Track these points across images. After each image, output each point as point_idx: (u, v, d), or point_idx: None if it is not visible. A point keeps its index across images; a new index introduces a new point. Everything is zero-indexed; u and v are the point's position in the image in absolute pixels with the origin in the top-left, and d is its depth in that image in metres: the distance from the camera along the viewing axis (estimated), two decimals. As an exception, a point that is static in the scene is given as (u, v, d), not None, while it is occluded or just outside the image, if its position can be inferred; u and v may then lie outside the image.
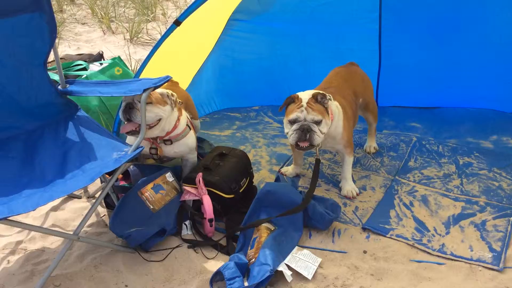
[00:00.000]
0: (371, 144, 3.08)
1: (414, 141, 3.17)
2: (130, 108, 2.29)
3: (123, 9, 6.62)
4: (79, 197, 2.67)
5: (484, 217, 2.43)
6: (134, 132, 2.33)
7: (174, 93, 2.48)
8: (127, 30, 5.73)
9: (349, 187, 2.65)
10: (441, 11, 3.17)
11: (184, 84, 3.35)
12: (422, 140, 3.17)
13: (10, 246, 2.29)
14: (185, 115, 2.57)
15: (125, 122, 2.34)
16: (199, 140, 3.10)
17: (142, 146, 2.13)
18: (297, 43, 3.43)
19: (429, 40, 3.29)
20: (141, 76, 2.63)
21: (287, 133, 2.37)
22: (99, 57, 3.45)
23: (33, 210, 1.80)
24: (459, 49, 3.30)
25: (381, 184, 2.73)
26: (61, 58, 3.52)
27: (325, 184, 2.76)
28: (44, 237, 2.35)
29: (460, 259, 2.16)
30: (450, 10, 3.16)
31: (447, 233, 2.33)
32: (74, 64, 3.25)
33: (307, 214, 2.34)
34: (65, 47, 5.37)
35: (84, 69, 3.21)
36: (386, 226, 2.38)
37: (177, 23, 2.43)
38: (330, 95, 2.34)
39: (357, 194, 2.64)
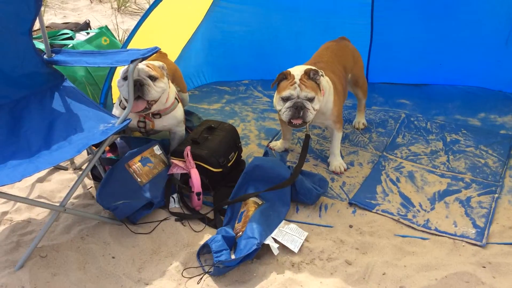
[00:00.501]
0: (360, 120, 3.08)
1: (403, 117, 3.17)
2: (140, 85, 2.26)
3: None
4: (65, 169, 2.65)
5: (469, 193, 2.46)
6: (146, 110, 2.33)
7: (165, 65, 2.45)
8: (114, -1, 5.61)
9: (337, 162, 2.66)
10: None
11: (172, 56, 3.30)
12: (411, 116, 3.18)
13: (-4, 217, 2.28)
14: (173, 87, 2.54)
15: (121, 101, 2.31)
16: (188, 113, 3.08)
17: (129, 119, 2.11)
18: (288, 17, 3.39)
19: (420, 17, 3.28)
20: (129, 47, 2.58)
21: (280, 110, 2.36)
22: (86, 26, 3.37)
23: (19, 181, 1.78)
24: (450, 27, 3.29)
25: (368, 160, 2.75)
26: (46, 27, 3.44)
27: (313, 159, 2.77)
28: (30, 208, 2.34)
29: (444, 235, 2.19)
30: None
31: (432, 209, 2.36)
32: (60, 33, 3.18)
33: (295, 188, 2.35)
34: (51, 15, 5.25)
35: (71, 38, 3.14)
36: (372, 202, 2.40)
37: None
38: (322, 71, 2.32)
39: (344, 170, 2.65)
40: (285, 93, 2.30)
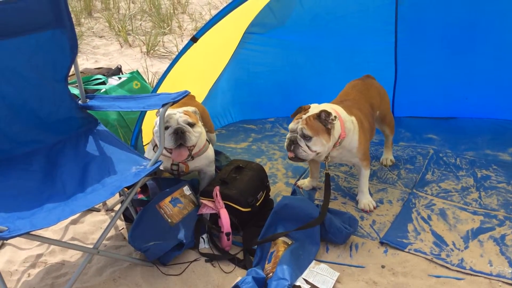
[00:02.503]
0: (388, 157, 3.07)
1: (431, 153, 3.15)
2: (182, 132, 2.33)
3: (140, 22, 6.71)
4: (98, 210, 2.71)
5: (504, 231, 2.40)
6: (189, 156, 2.41)
7: (197, 109, 2.53)
8: (143, 43, 5.80)
9: (366, 200, 2.64)
10: (457, 20, 3.16)
11: (200, 96, 3.39)
12: (439, 152, 3.15)
13: (31, 259, 2.33)
14: (203, 129, 2.59)
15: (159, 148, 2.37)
16: (216, 153, 3.11)
17: (160, 161, 2.16)
18: (312, 56, 3.45)
19: (445, 49, 3.29)
20: (159, 91, 2.67)
21: None
22: (118, 71, 3.50)
23: (55, 224, 1.83)
24: (476, 58, 3.28)
25: (398, 198, 2.72)
26: (80, 72, 3.57)
27: (342, 197, 2.76)
28: (63, 250, 2.38)
29: (479, 274, 2.14)
30: (466, 19, 3.15)
31: (466, 247, 2.31)
32: (93, 78, 3.31)
33: (324, 228, 2.34)
34: (83, 60, 5.46)
35: (103, 83, 3.26)
36: (404, 241, 2.37)
37: (194, 39, 2.46)
38: (335, 116, 2.33)
39: (374, 208, 2.63)
40: (290, 125, 2.38)
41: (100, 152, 2.31)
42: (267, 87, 3.64)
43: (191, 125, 2.39)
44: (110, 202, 2.75)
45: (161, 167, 2.57)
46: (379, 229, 2.47)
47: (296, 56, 3.48)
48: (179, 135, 2.33)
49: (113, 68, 3.57)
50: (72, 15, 6.78)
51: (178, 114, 2.37)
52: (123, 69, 4.81)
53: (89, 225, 2.57)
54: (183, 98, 2.20)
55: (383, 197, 2.74)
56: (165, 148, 2.38)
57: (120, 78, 3.30)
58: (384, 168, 3.03)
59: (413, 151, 3.20)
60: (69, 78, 3.31)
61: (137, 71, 3.35)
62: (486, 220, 2.49)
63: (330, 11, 3.20)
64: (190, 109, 2.49)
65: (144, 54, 5.54)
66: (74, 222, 2.60)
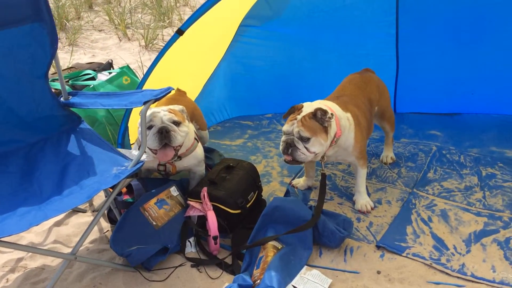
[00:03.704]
0: (388, 154, 2.93)
1: (434, 150, 3.00)
2: (167, 132, 2.21)
3: (140, 15, 6.60)
4: (84, 211, 2.61)
5: (508, 234, 2.26)
6: (175, 157, 2.30)
7: (184, 108, 2.41)
8: (142, 36, 5.69)
9: (363, 200, 2.52)
10: (461, 11, 3.00)
11: (194, 92, 3.28)
12: (443, 149, 3.01)
13: (11, 263, 2.24)
14: (192, 127, 2.48)
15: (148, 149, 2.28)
16: (209, 150, 3.00)
17: (142, 161, 2.05)
18: (310, 49, 3.31)
19: (449, 42, 3.13)
20: (148, 87, 2.55)
21: None
22: (109, 66, 3.39)
23: (26, 230, 1.73)
24: (482, 52, 3.12)
25: (397, 198, 2.59)
26: (71, 67, 3.47)
27: (338, 198, 2.63)
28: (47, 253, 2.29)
29: (481, 281, 2.01)
30: (471, 10, 2.99)
31: (468, 251, 2.18)
32: (83, 73, 3.20)
33: (317, 231, 2.22)
34: (80, 55, 5.36)
35: (93, 78, 3.15)
36: (402, 244, 2.24)
37: (180, 32, 2.33)
38: (332, 113, 2.19)
39: (371, 208, 2.50)
40: (284, 127, 2.24)
41: (81, 152, 2.20)
42: (265, 82, 3.51)
43: (177, 123, 2.27)
44: (96, 202, 2.66)
45: (147, 168, 2.46)
46: (376, 232, 2.34)
47: (294, 49, 3.35)
48: (164, 135, 2.21)
49: (104, 63, 3.45)
50: (73, 8, 6.76)
51: (163, 113, 2.26)
52: (119, 64, 4.72)
53: (74, 227, 2.48)
54: (167, 95, 2.07)
55: (382, 197, 2.61)
56: (150, 148, 2.27)
57: (110, 73, 3.19)
58: (384, 166, 2.90)
59: (415, 148, 3.06)
60: (56, 74, 3.24)
61: (128, 66, 3.24)
62: (490, 222, 2.35)
63: (328, 2, 3.06)
64: (177, 107, 2.37)
65: (143, 48, 5.43)
66: (58, 224, 2.50)
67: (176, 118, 2.27)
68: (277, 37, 3.30)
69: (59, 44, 5.66)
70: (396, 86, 3.32)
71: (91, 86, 2.99)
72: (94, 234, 2.42)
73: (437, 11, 2.99)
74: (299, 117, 2.21)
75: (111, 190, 2.30)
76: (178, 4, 7.18)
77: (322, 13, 3.09)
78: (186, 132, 2.31)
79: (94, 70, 3.26)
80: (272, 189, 2.72)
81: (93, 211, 2.61)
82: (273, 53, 3.39)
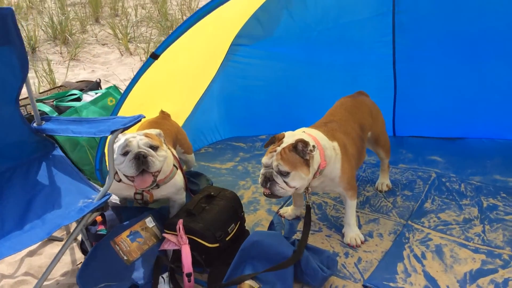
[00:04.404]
0: (384, 181, 2.77)
1: (433, 177, 2.83)
2: (144, 157, 2.08)
3: (145, 29, 6.54)
4: (60, 240, 2.50)
5: (507, 274, 2.08)
6: (153, 183, 2.16)
7: (161, 132, 2.29)
8: (144, 51, 5.63)
9: (352, 233, 2.36)
10: (463, 29, 2.81)
11: (183, 113, 3.17)
12: (442, 176, 2.83)
13: (-23, 297, 2.13)
14: (169, 153, 2.35)
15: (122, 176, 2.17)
16: (195, 175, 2.89)
17: (109, 194, 1.93)
18: (304, 69, 3.18)
19: (451, 62, 2.95)
20: (131, 110, 2.43)
21: None
22: (96, 85, 3.29)
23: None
24: (486, 72, 2.93)
25: (390, 230, 2.42)
26: (60, 86, 3.39)
27: (327, 229, 2.48)
28: (17, 284, 2.18)
29: (475, 330, 1.84)
30: (474, 27, 2.80)
31: (462, 294, 2.01)
32: (69, 93, 3.11)
33: (300, 268, 2.07)
34: (80, 70, 5.31)
35: (78, 99, 3.06)
36: (391, 284, 2.07)
37: (154, 56, 2.21)
38: (314, 145, 2.03)
39: (362, 242, 2.34)
40: (263, 159, 2.09)
41: (50, 182, 2.10)
42: (259, 102, 3.39)
43: (154, 148, 2.15)
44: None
45: (124, 197, 2.34)
46: (365, 269, 2.18)
47: (288, 68, 3.22)
48: (141, 160, 2.09)
49: (94, 81, 3.36)
50: (77, 22, 6.74)
51: (139, 137, 2.13)
52: (116, 80, 4.65)
53: (47, 258, 2.36)
54: (136, 123, 1.96)
55: (374, 229, 2.45)
56: (126, 176, 2.15)
57: (96, 93, 3.09)
58: (379, 194, 2.73)
59: (413, 174, 2.89)
60: (43, 94, 3.16)
61: (114, 86, 3.14)
62: (488, 260, 2.17)
63: (320, 22, 2.92)
64: (153, 131, 2.25)
65: (144, 62, 5.35)
66: (31, 254, 2.39)
67: (153, 143, 2.15)
68: (270, 56, 3.17)
69: (60, 58, 5.63)
70: (395, 108, 3.17)
71: (74, 108, 2.89)
72: (67, 266, 2.30)
73: (436, 30, 2.82)
74: (278, 149, 2.06)
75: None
76: (184, 17, 7.12)
77: (315, 32, 2.95)
78: (164, 157, 2.19)
79: (81, 90, 3.17)
80: (259, 218, 2.58)
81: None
82: (267, 72, 3.26)
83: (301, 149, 2.01)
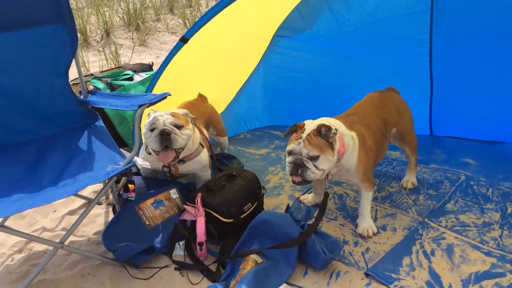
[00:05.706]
0: (409, 179, 2.78)
1: (462, 180, 2.80)
2: (167, 134, 2.28)
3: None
4: (99, 203, 2.76)
5: (515, 280, 2.06)
6: (176, 159, 2.36)
7: (188, 112, 2.48)
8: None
9: (365, 224, 2.41)
10: (502, 31, 2.75)
11: (224, 99, 3.34)
12: (471, 179, 2.79)
13: (20, 244, 2.43)
14: (197, 132, 2.53)
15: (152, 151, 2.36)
16: (228, 157, 3.05)
17: (133, 161, 2.13)
18: (341, 63, 3.24)
19: (491, 63, 2.89)
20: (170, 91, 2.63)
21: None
22: (148, 68, 3.55)
23: (11, 215, 1.88)
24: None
25: (405, 226, 2.45)
26: (119, 67, 3.69)
27: (343, 218, 2.55)
28: (52, 239, 2.46)
29: (467, 327, 1.85)
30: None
31: (463, 293, 2.01)
32: (123, 73, 3.39)
33: (305, 249, 2.17)
34: (146, 55, 5.66)
35: (131, 79, 3.33)
36: (393, 275, 2.12)
37: (184, 40, 2.39)
38: (336, 129, 2.12)
39: (373, 234, 2.40)
40: (289, 147, 2.17)
41: (88, 148, 2.34)
42: (299, 93, 3.49)
43: (179, 127, 2.33)
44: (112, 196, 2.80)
45: (154, 168, 2.55)
46: (370, 259, 2.24)
47: (326, 62, 3.29)
48: (165, 137, 2.28)
49: (146, 64, 3.63)
50: (152, 11, 7.12)
51: (166, 116, 2.33)
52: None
53: (85, 218, 2.62)
54: (161, 100, 2.15)
55: (389, 223, 2.48)
56: (152, 149, 2.36)
57: (146, 74, 3.35)
58: (402, 191, 2.75)
59: (442, 175, 2.87)
60: (101, 72, 3.46)
61: (162, 69, 3.37)
62: (498, 264, 2.15)
63: (358, 17, 2.96)
64: (181, 111, 2.44)
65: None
66: (71, 212, 2.68)
67: (178, 122, 2.34)
68: (310, 49, 3.26)
69: (131, 43, 6.02)
70: (431, 107, 3.14)
71: (124, 86, 3.16)
72: (100, 226, 2.56)
73: (475, 29, 2.77)
74: (303, 135, 2.16)
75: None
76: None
77: (353, 27, 3.01)
78: (188, 135, 2.36)
79: (134, 71, 3.44)
80: (280, 202, 2.70)
81: (107, 204, 2.76)
82: (306, 64, 3.36)
83: (324, 133, 2.11)
